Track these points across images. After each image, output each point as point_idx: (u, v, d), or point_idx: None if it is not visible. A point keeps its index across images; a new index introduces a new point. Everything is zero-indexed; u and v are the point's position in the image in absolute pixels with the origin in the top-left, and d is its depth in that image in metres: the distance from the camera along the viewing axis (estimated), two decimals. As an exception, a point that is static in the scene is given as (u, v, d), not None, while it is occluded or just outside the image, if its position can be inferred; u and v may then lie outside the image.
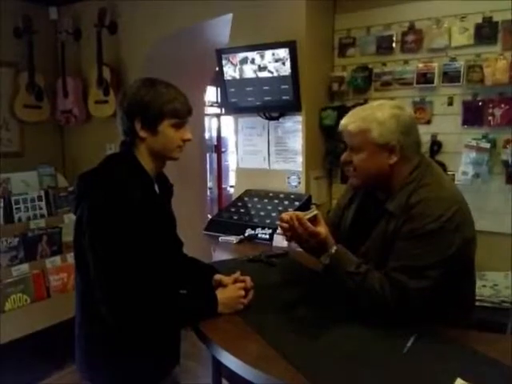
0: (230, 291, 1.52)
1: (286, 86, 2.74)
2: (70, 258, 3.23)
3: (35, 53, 3.58)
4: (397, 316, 1.35)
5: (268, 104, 2.87)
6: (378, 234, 1.48)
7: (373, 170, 1.48)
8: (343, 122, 1.52)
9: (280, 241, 2.38)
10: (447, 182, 1.52)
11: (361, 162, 1.49)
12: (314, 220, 1.43)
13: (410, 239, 1.39)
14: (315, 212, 1.44)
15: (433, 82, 2.61)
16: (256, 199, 2.90)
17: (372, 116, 1.45)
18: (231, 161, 5.99)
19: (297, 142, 2.89)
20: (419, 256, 1.37)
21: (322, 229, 1.42)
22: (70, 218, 3.33)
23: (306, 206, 2.70)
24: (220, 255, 2.32)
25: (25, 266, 3.07)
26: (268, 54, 2.75)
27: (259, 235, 2.53)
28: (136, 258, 1.33)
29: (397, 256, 1.40)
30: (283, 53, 2.69)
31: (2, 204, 3.12)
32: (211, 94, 5.73)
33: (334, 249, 1.42)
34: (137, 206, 1.36)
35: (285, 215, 1.46)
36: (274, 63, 2.74)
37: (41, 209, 3.32)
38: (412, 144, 1.48)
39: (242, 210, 2.83)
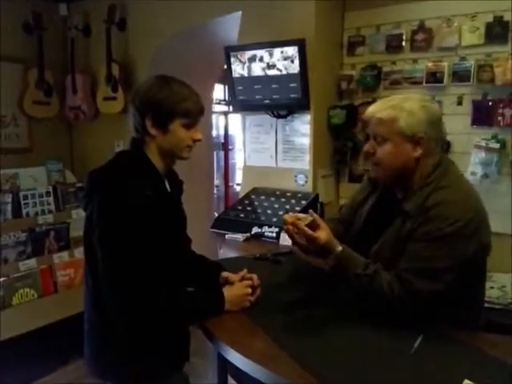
0: (237, 289, 1.53)
1: (295, 84, 2.73)
2: (78, 253, 3.25)
3: (45, 49, 3.59)
4: (404, 317, 1.34)
5: (276, 102, 2.86)
6: (391, 233, 1.46)
7: (396, 164, 1.45)
8: (371, 109, 1.49)
9: (287, 239, 2.37)
10: (466, 185, 1.48)
11: (385, 155, 1.45)
12: (312, 225, 1.40)
13: (424, 241, 1.37)
14: (310, 218, 1.40)
15: (442, 82, 2.59)
16: (263, 197, 2.89)
17: (401, 105, 1.43)
18: (238, 159, 5.98)
19: (305, 141, 2.88)
20: (432, 259, 1.35)
21: (323, 233, 1.39)
22: (77, 214, 3.35)
23: (313, 204, 2.69)
24: (226, 253, 2.32)
25: (32, 261, 3.09)
26: (277, 51, 2.74)
27: (266, 233, 2.53)
28: (145, 255, 1.34)
29: (409, 257, 1.38)
30: (292, 51, 2.67)
31: (10, 199, 3.14)
32: (219, 91, 5.73)
33: (339, 250, 1.40)
34: (147, 204, 1.36)
35: (288, 217, 1.44)
36: (283, 61, 2.73)
37: (49, 204, 3.34)
38: (437, 138, 1.45)
39: (248, 208, 2.83)
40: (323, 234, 1.39)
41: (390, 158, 1.45)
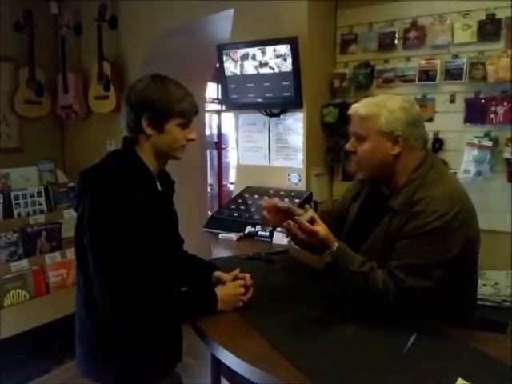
0: (230, 288, 1.52)
1: (288, 83, 2.72)
2: (70, 253, 3.22)
3: (36, 48, 3.56)
4: (398, 314, 1.34)
5: (269, 100, 2.85)
6: (380, 231, 1.48)
7: (376, 161, 1.48)
8: (354, 106, 1.53)
9: (280, 238, 2.37)
10: (452, 180, 1.51)
11: (364, 153, 1.49)
12: (310, 220, 1.41)
13: (413, 237, 1.38)
14: (311, 214, 1.42)
15: (435, 80, 2.59)
16: (256, 196, 2.88)
17: (383, 103, 1.47)
18: (232, 157, 5.97)
19: (298, 139, 2.87)
20: (422, 254, 1.35)
21: (320, 228, 1.40)
22: (69, 214, 3.32)
23: (306, 203, 2.69)
24: (220, 252, 2.31)
25: (24, 262, 3.07)
26: (269, 50, 2.73)
27: (259, 232, 2.52)
28: (136, 256, 1.33)
29: (399, 254, 1.39)
30: (284, 49, 2.67)
31: (1, 199, 3.11)
32: (212, 90, 5.71)
33: (335, 246, 1.40)
34: (139, 205, 1.34)
35: (265, 203, 1.59)
36: (276, 59, 2.72)
37: (40, 204, 3.31)
38: (417, 138, 1.47)
39: (242, 207, 2.82)
40: (321, 228, 1.40)
41: (369, 156, 1.49)
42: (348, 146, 1.55)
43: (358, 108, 1.50)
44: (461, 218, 1.37)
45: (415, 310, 1.35)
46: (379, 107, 1.46)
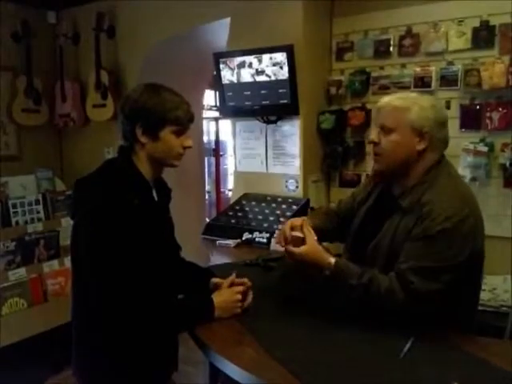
0: (227, 295, 1.51)
1: (284, 90, 2.74)
2: (68, 261, 3.21)
3: (33, 57, 3.58)
4: (404, 318, 1.34)
5: (266, 108, 2.86)
6: (388, 229, 1.48)
7: (399, 155, 1.47)
8: (386, 99, 1.53)
9: (277, 245, 2.37)
10: (463, 186, 1.51)
11: (389, 144, 1.47)
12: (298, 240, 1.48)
13: (422, 239, 1.37)
14: (297, 234, 1.50)
15: (430, 86, 2.61)
16: (254, 203, 2.89)
17: (415, 99, 1.48)
18: (230, 164, 5.97)
19: (294, 146, 2.88)
20: (431, 257, 1.35)
21: (307, 248, 1.45)
22: (67, 222, 3.32)
23: (303, 210, 2.69)
24: (217, 259, 2.31)
25: (22, 270, 3.06)
26: (265, 58, 2.74)
27: (257, 239, 2.52)
28: (132, 264, 1.33)
29: (409, 256, 1.38)
30: (281, 57, 2.69)
31: (-1, 208, 3.11)
32: (210, 97, 5.72)
33: (331, 263, 1.42)
34: (134, 213, 1.35)
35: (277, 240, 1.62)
36: (272, 67, 2.74)
37: (38, 212, 3.31)
38: (441, 138, 1.48)
39: (239, 214, 2.82)
40: (308, 248, 1.45)
41: (394, 148, 1.47)
42: (372, 137, 1.52)
43: (391, 100, 1.50)
44: (470, 222, 1.37)
45: (421, 313, 1.34)
46: (412, 102, 1.47)
